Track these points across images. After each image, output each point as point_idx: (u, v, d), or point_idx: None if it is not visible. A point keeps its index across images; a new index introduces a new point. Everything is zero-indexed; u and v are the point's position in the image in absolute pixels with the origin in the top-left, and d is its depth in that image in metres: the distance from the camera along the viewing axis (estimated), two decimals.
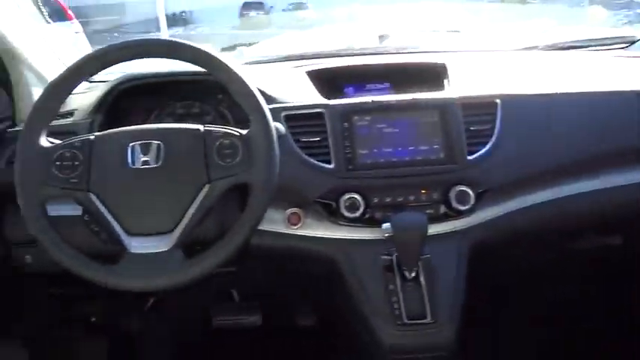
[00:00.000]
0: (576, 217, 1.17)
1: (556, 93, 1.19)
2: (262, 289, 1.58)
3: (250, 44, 1.97)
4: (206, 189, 0.88)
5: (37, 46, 1.26)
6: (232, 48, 1.91)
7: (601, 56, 1.49)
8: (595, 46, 1.56)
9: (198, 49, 0.91)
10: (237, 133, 0.90)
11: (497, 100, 1.12)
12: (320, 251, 1.10)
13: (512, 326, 1.59)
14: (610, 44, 1.54)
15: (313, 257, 1.12)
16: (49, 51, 1.31)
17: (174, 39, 0.94)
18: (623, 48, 1.51)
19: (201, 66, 0.92)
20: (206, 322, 1.64)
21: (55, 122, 0.96)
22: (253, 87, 0.91)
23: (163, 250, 0.86)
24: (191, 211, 0.87)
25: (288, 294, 1.63)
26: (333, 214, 1.07)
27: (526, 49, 1.56)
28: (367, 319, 1.03)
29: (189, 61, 0.92)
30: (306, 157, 1.07)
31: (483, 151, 1.08)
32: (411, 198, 1.06)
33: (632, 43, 1.49)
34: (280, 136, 0.95)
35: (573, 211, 1.16)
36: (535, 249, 1.28)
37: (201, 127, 0.92)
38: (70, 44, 1.40)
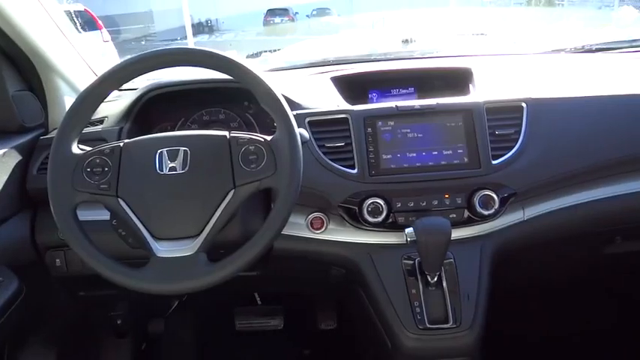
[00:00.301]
0: (603, 221, 1.15)
1: (583, 96, 1.17)
2: (285, 292, 1.59)
3: (274, 51, 2.00)
4: (231, 194, 0.89)
5: (69, 56, 1.30)
6: (257, 55, 1.93)
7: (630, 58, 1.47)
8: (624, 48, 1.53)
9: (226, 58, 0.93)
10: (262, 139, 0.92)
11: (523, 104, 1.11)
12: (342, 255, 1.10)
13: (537, 331, 1.57)
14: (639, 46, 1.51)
15: (336, 261, 1.13)
16: (80, 60, 1.35)
17: (203, 48, 0.95)
18: None
19: (228, 74, 0.94)
20: (229, 325, 1.65)
21: (85, 129, 0.99)
22: (279, 94, 0.92)
23: (189, 254, 0.87)
24: (216, 215, 0.89)
25: (310, 297, 1.64)
26: (355, 219, 1.07)
27: (553, 52, 1.55)
28: (389, 322, 1.03)
29: (217, 70, 0.94)
30: (330, 162, 1.07)
31: (508, 155, 1.07)
32: (435, 202, 1.06)
33: None
34: (304, 142, 0.96)
35: (600, 216, 1.14)
36: (560, 253, 1.26)
37: (227, 134, 0.93)
38: (99, 52, 1.43)
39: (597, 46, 1.55)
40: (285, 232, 0.93)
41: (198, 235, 0.88)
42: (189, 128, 1.27)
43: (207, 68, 0.95)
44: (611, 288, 1.57)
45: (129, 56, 0.96)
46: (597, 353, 1.56)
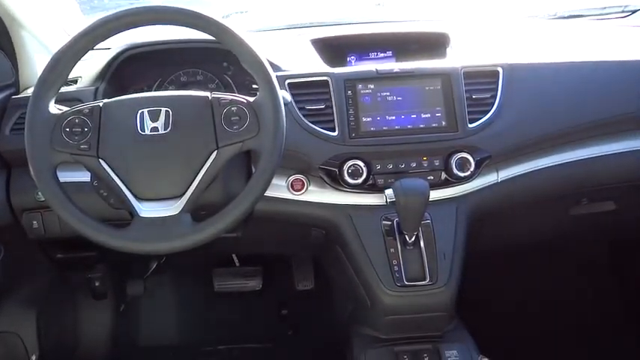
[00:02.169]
0: (573, 183, 1.20)
1: (557, 62, 1.20)
2: (263, 254, 1.61)
3: (244, 12, 1.95)
4: (214, 155, 0.89)
5: (39, 12, 1.26)
6: (228, 16, 1.89)
7: (602, 25, 1.50)
8: (596, 15, 1.57)
9: (208, 17, 0.91)
10: (245, 101, 0.91)
11: (499, 69, 1.13)
12: (323, 216, 1.12)
13: (509, 289, 1.64)
14: (611, 13, 1.55)
15: (316, 222, 1.15)
16: (48, 16, 1.31)
17: (182, 7, 0.93)
18: (623, 17, 1.52)
19: (210, 34, 0.92)
20: (208, 287, 1.68)
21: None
22: (262, 55, 0.92)
23: (173, 214, 0.88)
24: (199, 176, 0.89)
25: (288, 259, 1.66)
26: (336, 181, 1.09)
27: (528, 17, 1.57)
28: (368, 281, 1.07)
29: (199, 30, 0.92)
30: (311, 124, 1.08)
31: (485, 119, 1.09)
32: (413, 165, 1.08)
33: (633, 12, 1.50)
34: (286, 103, 0.96)
35: (570, 178, 1.18)
36: (532, 214, 1.31)
37: (208, 95, 0.93)
38: (61, 9, 1.38)
39: (571, 13, 1.58)
40: (265, 193, 0.94)
41: (182, 195, 0.89)
42: (166, 89, 1.26)
43: (190, 28, 0.93)
44: (582, 246, 1.64)
45: (106, 13, 0.93)
46: (574, 310, 1.66)
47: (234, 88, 1.25)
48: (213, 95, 0.93)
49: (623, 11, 1.52)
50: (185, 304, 1.78)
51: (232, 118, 0.90)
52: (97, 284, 1.52)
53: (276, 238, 1.35)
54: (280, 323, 1.77)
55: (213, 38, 0.94)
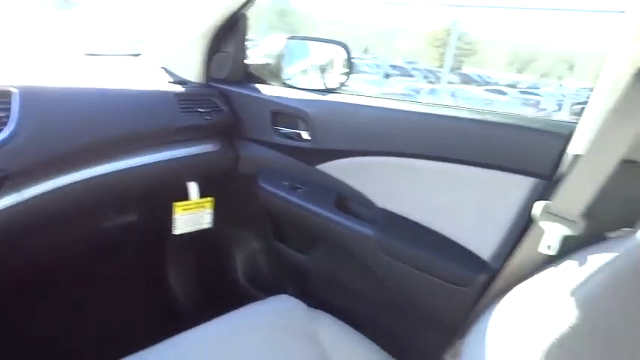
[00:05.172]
0: (97, 197, 1.32)
1: (74, 87, 1.33)
2: None
3: None
4: None
5: None
6: None
7: (118, 62, 1.76)
8: (115, 55, 1.82)
9: None
10: None
11: (14, 90, 1.17)
12: None
13: (47, 307, 1.59)
14: (124, 55, 1.84)
15: None
16: None
17: None
18: (135, 56, 1.81)
19: None
20: None
21: None
22: None
23: None
24: None
25: None
26: None
27: (63, 52, 1.70)
28: None
29: None
30: None
31: (1, 138, 1.11)
32: None
33: (138, 54, 1.81)
34: None
35: (94, 192, 1.30)
36: (65, 231, 1.36)
37: None
38: None
39: (93, 52, 1.80)
40: None
41: None
42: None
43: None
44: (113, 259, 1.75)
45: None
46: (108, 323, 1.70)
47: None
48: None
49: (133, 54, 1.82)
50: None
51: None
52: None
53: None
54: None
55: None
